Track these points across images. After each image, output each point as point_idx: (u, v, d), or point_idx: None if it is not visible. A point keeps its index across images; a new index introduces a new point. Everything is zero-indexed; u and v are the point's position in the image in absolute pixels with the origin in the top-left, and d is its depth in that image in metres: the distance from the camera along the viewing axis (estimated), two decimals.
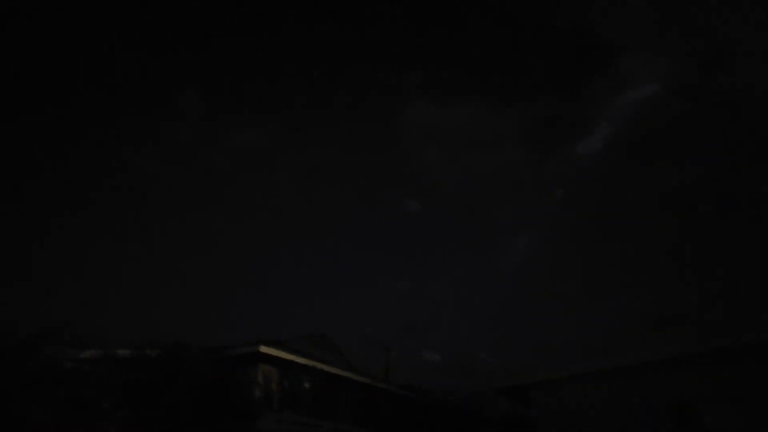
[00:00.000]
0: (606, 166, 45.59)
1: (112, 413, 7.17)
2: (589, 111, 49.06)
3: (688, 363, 8.94)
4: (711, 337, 9.02)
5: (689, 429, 8.32)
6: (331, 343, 17.33)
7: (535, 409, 11.31)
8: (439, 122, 47.97)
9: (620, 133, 45.16)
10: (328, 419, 8.26)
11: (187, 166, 48.74)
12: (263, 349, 8.89)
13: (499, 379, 13.85)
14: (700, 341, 9.23)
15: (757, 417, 7.68)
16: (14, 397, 6.88)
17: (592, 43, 43.02)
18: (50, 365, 7.60)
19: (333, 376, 10.02)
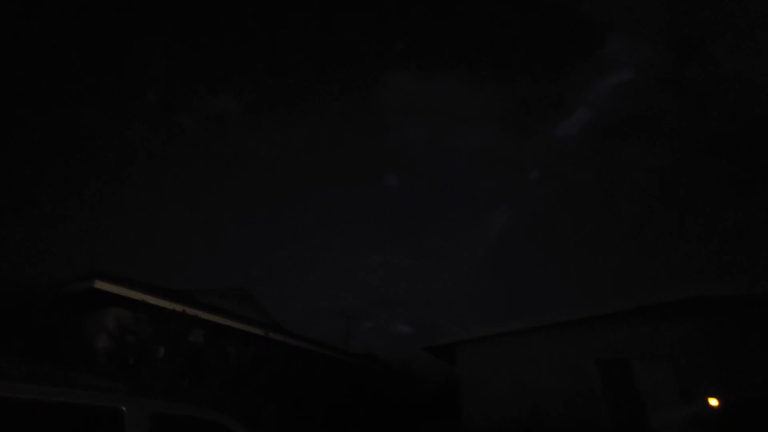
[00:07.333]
0: (582, 148, 46.21)
1: None
2: (568, 93, 49.09)
3: (617, 320, 8.86)
4: (637, 294, 8.91)
5: (618, 382, 8.34)
6: (250, 299, 15.86)
7: (458, 367, 10.95)
8: (419, 96, 46.53)
9: (597, 117, 45.61)
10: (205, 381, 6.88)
11: (161, 130, 44.78)
12: (100, 284, 6.58)
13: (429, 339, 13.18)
14: (628, 299, 9.12)
15: (686, 370, 7.83)
16: None
17: (574, 25, 42.41)
18: None
19: (227, 329, 8.61)
